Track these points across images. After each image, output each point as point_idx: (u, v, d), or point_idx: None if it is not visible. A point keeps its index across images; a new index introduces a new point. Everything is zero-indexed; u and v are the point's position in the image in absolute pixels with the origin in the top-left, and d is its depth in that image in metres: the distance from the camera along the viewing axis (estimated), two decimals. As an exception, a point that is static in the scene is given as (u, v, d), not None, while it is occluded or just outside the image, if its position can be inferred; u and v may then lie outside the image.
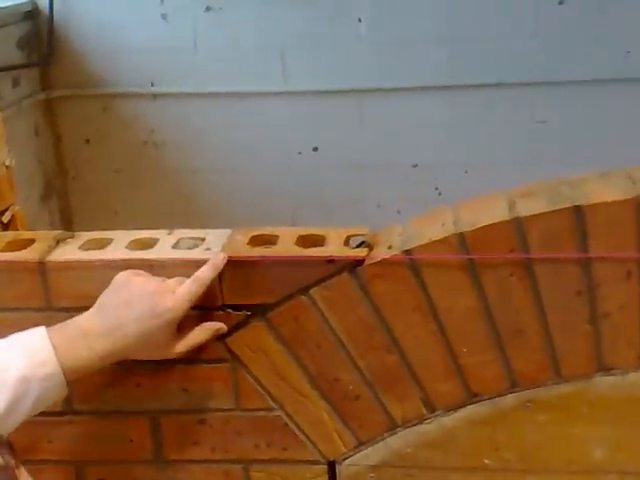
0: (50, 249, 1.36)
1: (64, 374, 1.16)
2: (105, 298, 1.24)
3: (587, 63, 3.38)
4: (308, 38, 3.50)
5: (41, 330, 1.18)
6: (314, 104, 3.58)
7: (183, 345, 1.26)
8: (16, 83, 3.38)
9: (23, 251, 1.36)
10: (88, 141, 3.65)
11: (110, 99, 3.60)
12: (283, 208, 3.66)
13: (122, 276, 1.26)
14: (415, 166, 3.61)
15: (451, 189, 3.54)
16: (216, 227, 1.42)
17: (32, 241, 1.39)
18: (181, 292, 1.24)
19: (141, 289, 1.23)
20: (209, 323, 1.30)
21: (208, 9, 3.48)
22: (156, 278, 1.27)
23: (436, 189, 3.63)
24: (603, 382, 1.30)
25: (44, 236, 1.40)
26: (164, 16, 3.50)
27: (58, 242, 1.38)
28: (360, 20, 3.45)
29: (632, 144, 3.25)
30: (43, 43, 3.53)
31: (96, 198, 3.74)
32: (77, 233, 1.43)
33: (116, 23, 3.53)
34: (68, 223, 3.73)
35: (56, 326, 1.20)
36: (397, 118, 3.56)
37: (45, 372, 1.14)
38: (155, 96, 3.58)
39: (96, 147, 3.66)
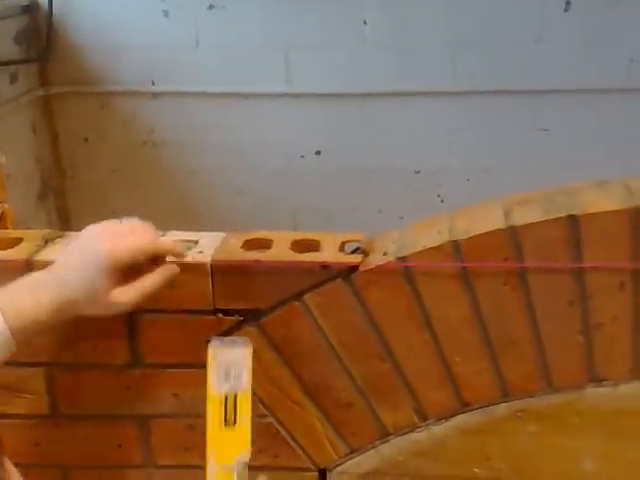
0: (38, 249, 1.34)
1: (12, 333, 1.10)
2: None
3: (591, 71, 3.37)
4: (312, 39, 3.47)
5: None
6: (317, 107, 3.56)
7: (133, 292, 1.15)
8: (14, 79, 3.32)
9: (10, 250, 1.34)
10: (86, 139, 3.63)
11: (109, 97, 3.57)
12: (284, 211, 3.64)
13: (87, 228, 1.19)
14: (418, 172, 3.60)
15: (453, 196, 3.54)
16: (215, 229, 1.41)
17: (20, 240, 1.37)
18: (132, 244, 1.15)
19: (94, 231, 1.16)
20: (162, 267, 1.19)
21: (211, 7, 3.45)
22: (125, 224, 1.19)
23: (438, 196, 3.62)
24: (594, 393, 1.29)
25: (32, 235, 1.39)
26: (166, 13, 3.46)
27: (47, 242, 1.37)
28: (365, 22, 3.43)
29: (634, 153, 3.24)
30: (42, 38, 3.46)
31: (94, 197, 3.70)
32: (67, 233, 1.41)
33: (116, 19, 3.48)
34: (65, 222, 3.71)
35: (7, 285, 1.14)
36: (400, 123, 3.55)
37: None
38: (155, 95, 3.56)
39: (94, 146, 3.63)
